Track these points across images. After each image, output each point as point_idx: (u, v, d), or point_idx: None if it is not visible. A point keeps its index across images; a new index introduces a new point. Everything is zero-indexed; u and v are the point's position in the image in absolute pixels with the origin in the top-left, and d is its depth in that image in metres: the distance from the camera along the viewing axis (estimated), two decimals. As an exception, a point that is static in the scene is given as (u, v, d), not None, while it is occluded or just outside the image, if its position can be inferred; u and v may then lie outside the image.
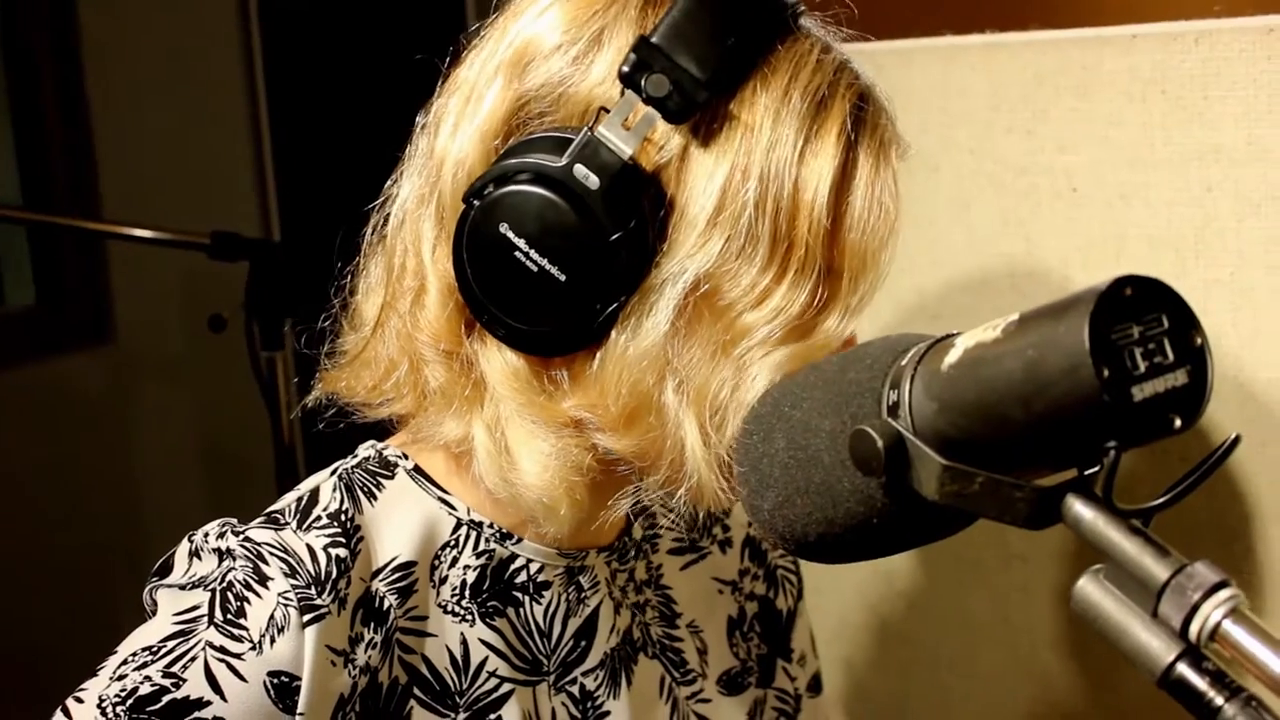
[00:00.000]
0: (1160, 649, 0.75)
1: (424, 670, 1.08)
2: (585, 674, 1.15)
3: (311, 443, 2.66)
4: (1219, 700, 0.74)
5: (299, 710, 0.99)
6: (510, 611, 1.11)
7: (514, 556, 1.11)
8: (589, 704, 1.15)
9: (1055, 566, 1.60)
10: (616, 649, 1.17)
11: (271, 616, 1.00)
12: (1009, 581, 1.64)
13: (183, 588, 1.03)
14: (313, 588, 1.01)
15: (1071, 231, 1.48)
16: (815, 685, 1.38)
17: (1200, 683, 0.75)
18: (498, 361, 1.03)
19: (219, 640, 0.99)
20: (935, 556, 1.70)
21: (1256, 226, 1.37)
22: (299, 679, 0.99)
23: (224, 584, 1.01)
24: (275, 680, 0.98)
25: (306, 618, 1.00)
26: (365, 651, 1.04)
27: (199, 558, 1.05)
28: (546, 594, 1.13)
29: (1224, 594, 0.72)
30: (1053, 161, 1.49)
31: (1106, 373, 0.73)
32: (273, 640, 0.99)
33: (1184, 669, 0.75)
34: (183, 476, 3.28)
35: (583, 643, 1.15)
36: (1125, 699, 1.58)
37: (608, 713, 1.16)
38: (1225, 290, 1.40)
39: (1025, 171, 1.52)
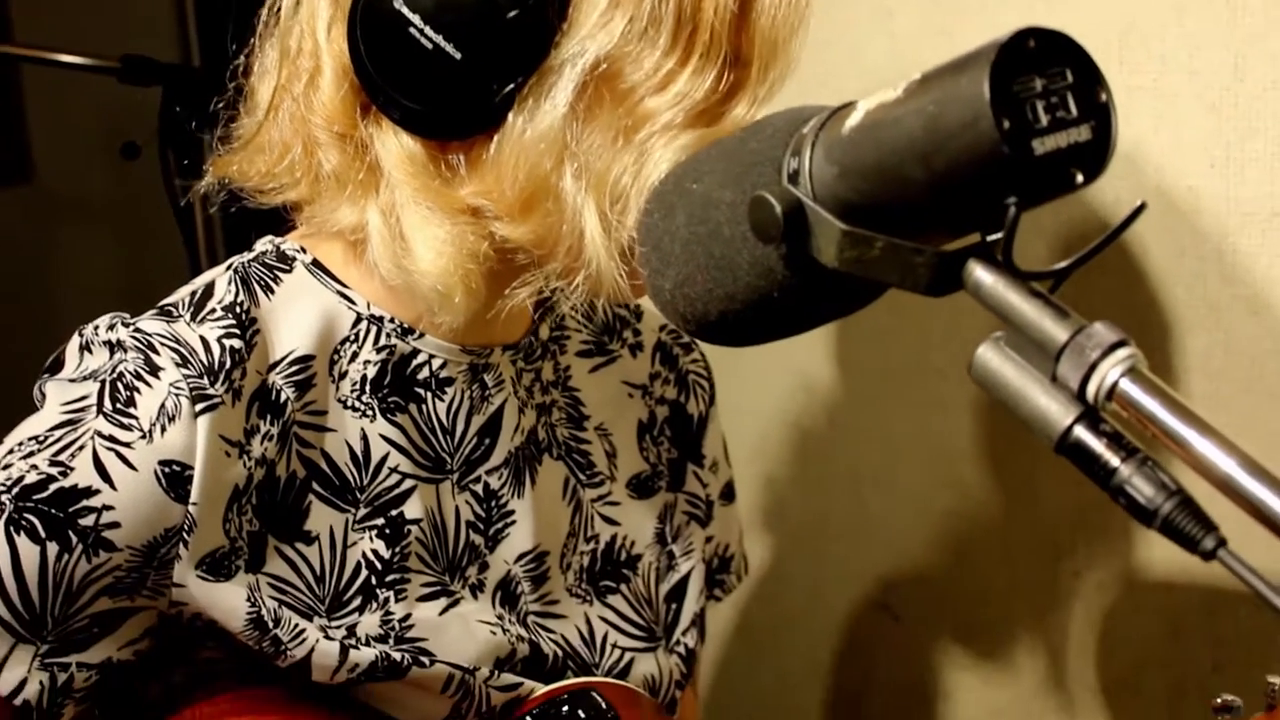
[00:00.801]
0: (1058, 412, 0.74)
1: (323, 465, 1.06)
2: (489, 472, 1.13)
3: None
4: (1115, 462, 0.73)
5: (192, 500, 0.97)
6: (412, 408, 1.09)
7: (416, 352, 1.09)
8: (492, 503, 1.13)
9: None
10: (521, 448, 1.15)
11: (162, 406, 0.97)
12: (928, 396, 1.63)
13: (72, 380, 1.00)
14: (205, 377, 0.99)
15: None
16: (728, 493, 1.37)
17: (1097, 445, 0.73)
18: (393, 145, 1.00)
19: (108, 429, 0.96)
20: (856, 372, 1.69)
21: (1180, 32, 1.35)
22: (191, 468, 0.97)
23: (114, 375, 0.98)
24: (166, 469, 0.96)
25: (199, 407, 0.98)
26: (261, 444, 1.02)
27: (89, 351, 1.02)
28: (449, 390, 1.11)
29: (1122, 353, 0.71)
30: (977, -36, 1.46)
31: (1007, 124, 0.70)
32: (163, 429, 0.97)
33: (1081, 432, 0.74)
34: (104, 313, 3.22)
35: (486, 440, 1.13)
36: (1042, 509, 1.58)
37: (511, 512, 1.14)
38: (1148, 96, 1.38)
39: (949, -25, 1.48)
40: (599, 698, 1.11)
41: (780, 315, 0.86)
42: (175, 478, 0.97)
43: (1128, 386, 0.70)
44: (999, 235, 0.75)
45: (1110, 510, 1.53)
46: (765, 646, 1.88)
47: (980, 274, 0.75)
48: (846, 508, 1.75)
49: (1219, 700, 1.21)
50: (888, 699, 1.78)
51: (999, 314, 0.76)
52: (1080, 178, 0.73)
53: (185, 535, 0.98)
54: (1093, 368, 0.71)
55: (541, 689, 1.13)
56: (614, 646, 1.20)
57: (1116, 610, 1.57)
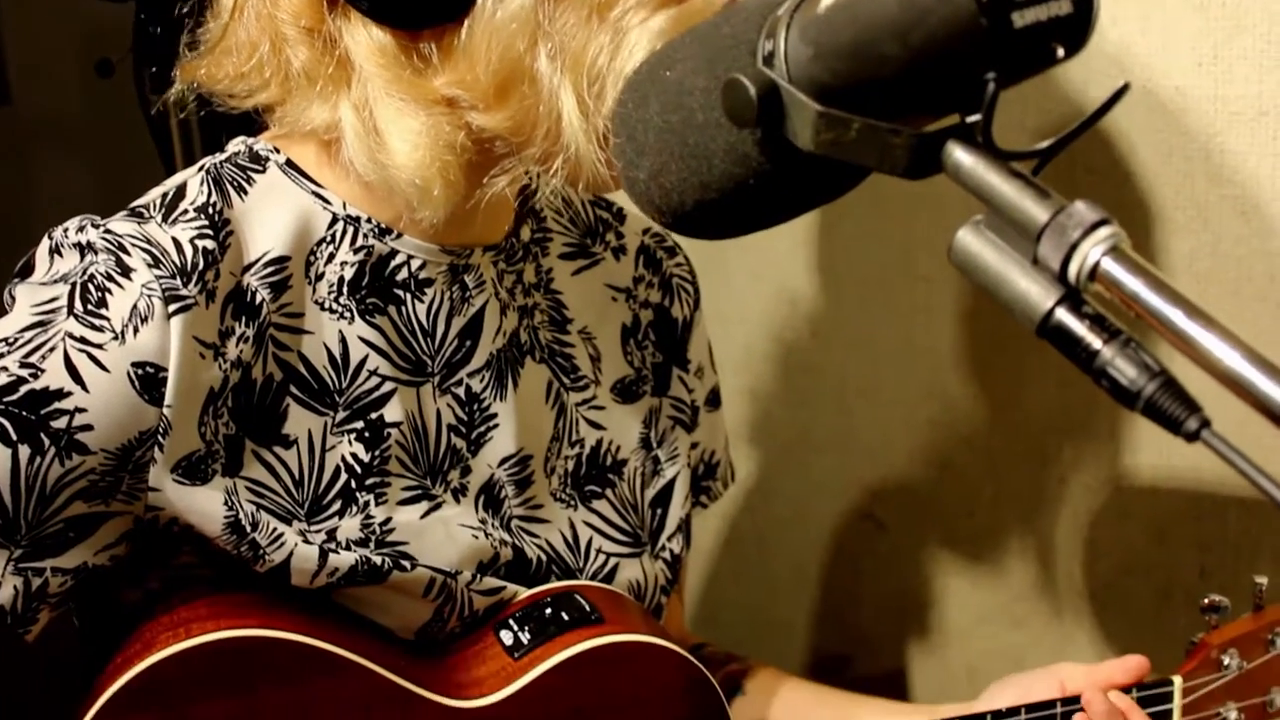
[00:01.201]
0: (1039, 295, 0.73)
1: (300, 368, 1.05)
2: (471, 375, 1.12)
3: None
4: (1097, 344, 0.72)
5: (166, 403, 0.96)
6: (391, 309, 1.08)
7: (394, 252, 1.08)
8: (474, 406, 1.12)
9: (959, 286, 1.58)
10: (503, 350, 1.14)
11: (134, 307, 0.96)
12: (913, 303, 1.62)
13: (43, 283, 0.99)
14: (178, 278, 0.97)
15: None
16: (714, 399, 1.36)
17: (1079, 327, 0.72)
18: (363, 38, 0.98)
19: (79, 330, 0.95)
20: (840, 281, 1.68)
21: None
22: (165, 370, 0.96)
23: (85, 276, 0.97)
24: (139, 371, 0.95)
25: (172, 308, 0.96)
26: (236, 345, 1.00)
27: (59, 254, 1.00)
28: (429, 291, 1.09)
29: (1104, 231, 0.69)
30: None
31: (985, -3, 0.68)
32: (136, 330, 0.95)
33: (1063, 314, 0.73)
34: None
35: (467, 343, 1.11)
36: (1027, 416, 1.58)
37: (493, 415, 1.13)
38: (1135, -5, 1.36)
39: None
40: (582, 599, 1.11)
41: (757, 204, 0.85)
42: (149, 380, 0.95)
43: (1110, 266, 0.69)
44: (978, 116, 0.74)
45: (1095, 416, 1.53)
46: (751, 559, 1.88)
47: (960, 155, 0.74)
48: (832, 419, 1.74)
49: (1206, 601, 1.21)
50: (874, 608, 1.79)
51: (979, 196, 0.74)
52: (1061, 52, 0.71)
53: (160, 438, 0.97)
54: (1074, 247, 0.69)
55: (525, 593, 1.12)
56: (599, 552, 1.19)
57: (1102, 516, 1.57)
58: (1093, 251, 0.69)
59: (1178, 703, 1.19)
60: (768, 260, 1.73)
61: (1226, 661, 1.21)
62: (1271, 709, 1.25)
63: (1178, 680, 1.19)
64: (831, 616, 1.84)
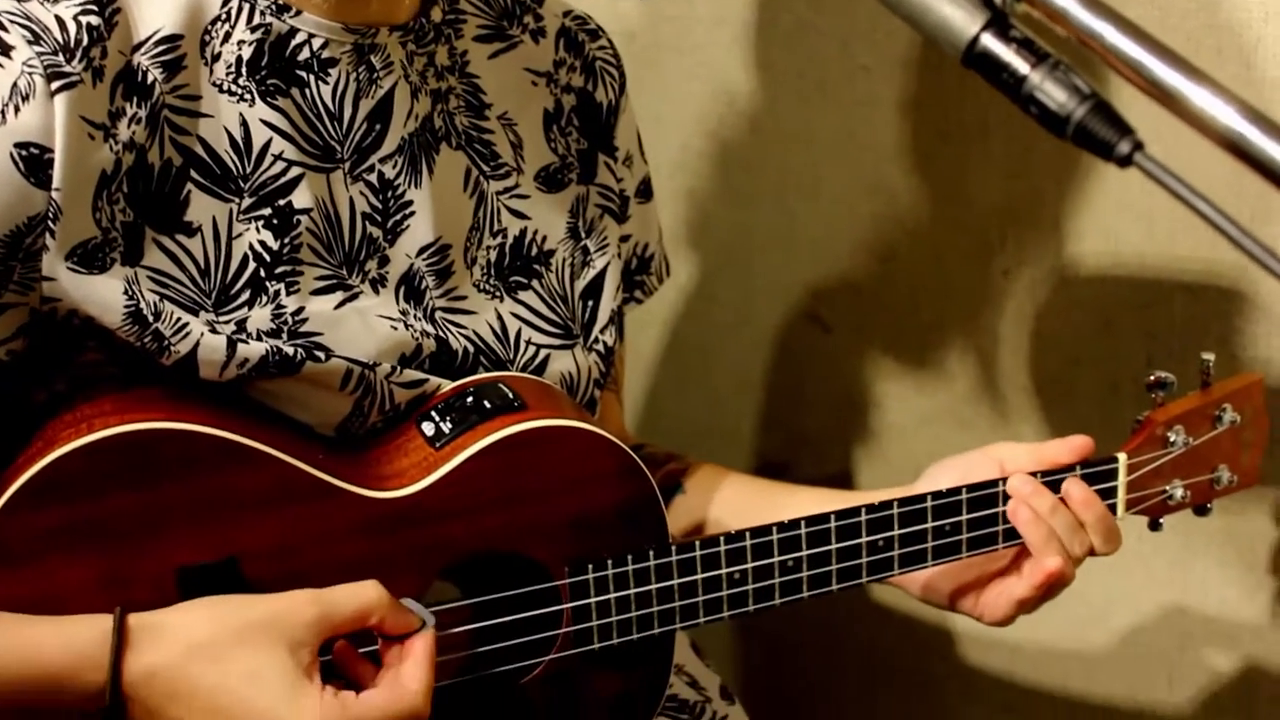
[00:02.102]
0: (963, 20, 0.69)
1: (200, 151, 0.99)
2: (383, 161, 1.07)
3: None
4: (1024, 69, 0.68)
5: (54, 185, 0.91)
6: (294, 92, 1.03)
7: (294, 31, 1.02)
8: (389, 193, 1.07)
9: (900, 75, 1.53)
10: (415, 135, 1.09)
11: (14, 85, 0.91)
12: (853, 95, 1.57)
13: None
14: (60, 55, 0.92)
15: None
16: (645, 190, 1.31)
17: (1006, 52, 0.68)
18: None
19: None
20: (777, 75, 1.62)
21: None
22: (50, 151, 0.91)
23: None
24: (23, 152, 0.90)
25: (54, 85, 0.91)
26: (129, 127, 0.95)
27: (-66, 35, 0.95)
28: (333, 72, 1.04)
29: (1030, -56, 0.65)
30: None
31: None
32: (17, 110, 0.90)
33: (989, 40, 0.69)
34: None
35: (377, 126, 1.06)
36: (972, 208, 1.54)
37: (409, 203, 1.08)
38: None
39: None
40: (506, 388, 1.07)
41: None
42: (34, 161, 0.90)
43: (1036, -21, 0.65)
44: None
45: (1041, 206, 1.50)
46: (693, 366, 1.85)
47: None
48: (772, 217, 1.69)
49: (1152, 377, 1.19)
50: (819, 412, 1.76)
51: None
52: None
53: (50, 224, 0.92)
54: (998, -38, 0.65)
55: (449, 385, 1.09)
56: (528, 343, 1.15)
57: (1049, 308, 1.54)
58: (1018, -35, 0.65)
59: (1122, 480, 1.17)
60: (703, 60, 1.67)
61: (1172, 438, 1.19)
62: (1218, 486, 1.23)
63: (1122, 457, 1.17)
64: (775, 422, 1.81)
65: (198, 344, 0.97)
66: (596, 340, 1.20)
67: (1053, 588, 1.15)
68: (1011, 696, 1.73)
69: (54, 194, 0.91)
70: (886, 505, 1.12)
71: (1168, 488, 1.20)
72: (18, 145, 0.90)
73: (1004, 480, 1.14)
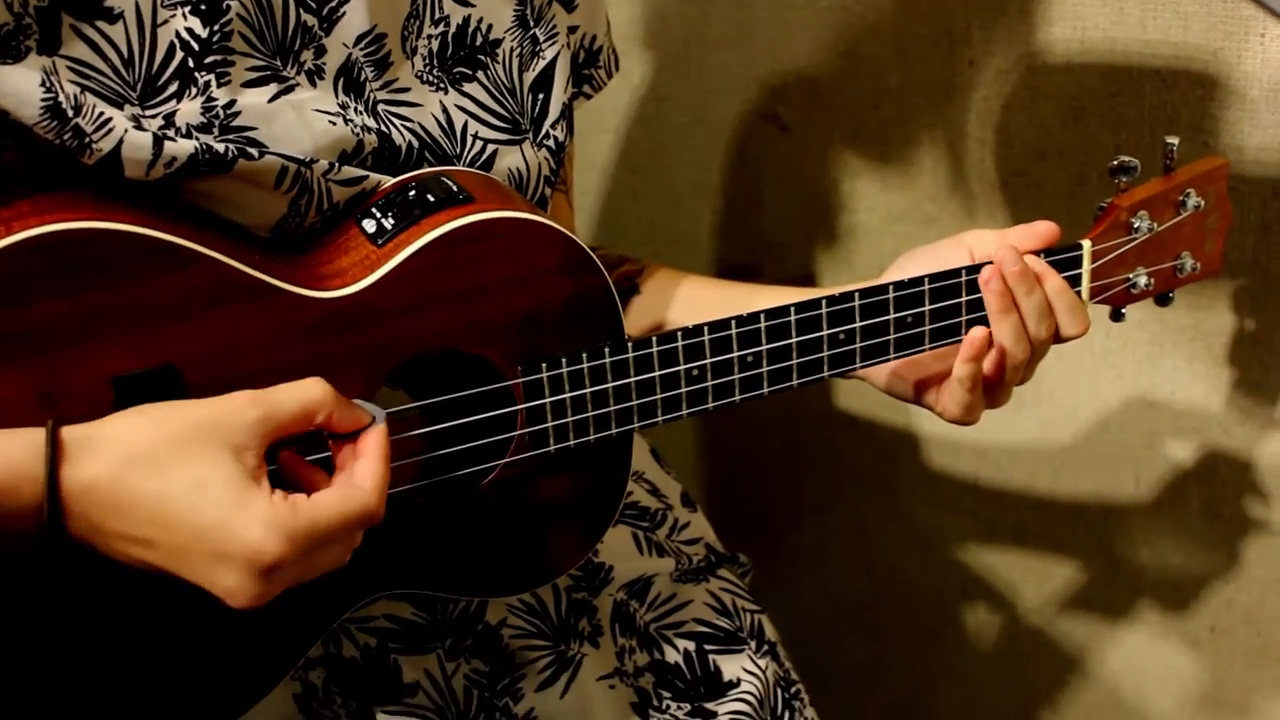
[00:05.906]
0: None
1: None
2: None
3: None
4: None
5: None
6: None
7: None
8: None
9: None
10: None
11: None
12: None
13: None
14: None
15: None
16: None
17: None
18: None
19: None
20: None
21: None
22: None
23: None
24: None
25: None
26: None
27: None
28: None
29: None
30: None
31: None
32: None
33: None
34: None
35: None
36: (934, 1, 1.49)
37: None
38: None
39: None
40: (450, 181, 1.02)
41: None
42: None
43: None
44: None
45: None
46: (648, 171, 1.80)
47: None
48: (727, 11, 1.63)
49: (1115, 162, 1.15)
50: (779, 214, 1.72)
51: None
52: None
53: (-45, 10, 0.86)
54: None
55: (390, 181, 1.04)
56: (475, 138, 1.10)
57: (1015, 99, 1.50)
58: None
59: (1086, 267, 1.14)
60: None
61: (1136, 224, 1.15)
62: (1181, 273, 1.20)
63: (1086, 244, 1.14)
64: (735, 226, 1.77)
65: (121, 140, 0.91)
66: (547, 135, 1.15)
67: (997, 369, 1.11)
68: (974, 500, 1.72)
69: None
70: (848, 296, 1.09)
71: (1131, 275, 1.17)
72: None
73: (967, 269, 1.11)
